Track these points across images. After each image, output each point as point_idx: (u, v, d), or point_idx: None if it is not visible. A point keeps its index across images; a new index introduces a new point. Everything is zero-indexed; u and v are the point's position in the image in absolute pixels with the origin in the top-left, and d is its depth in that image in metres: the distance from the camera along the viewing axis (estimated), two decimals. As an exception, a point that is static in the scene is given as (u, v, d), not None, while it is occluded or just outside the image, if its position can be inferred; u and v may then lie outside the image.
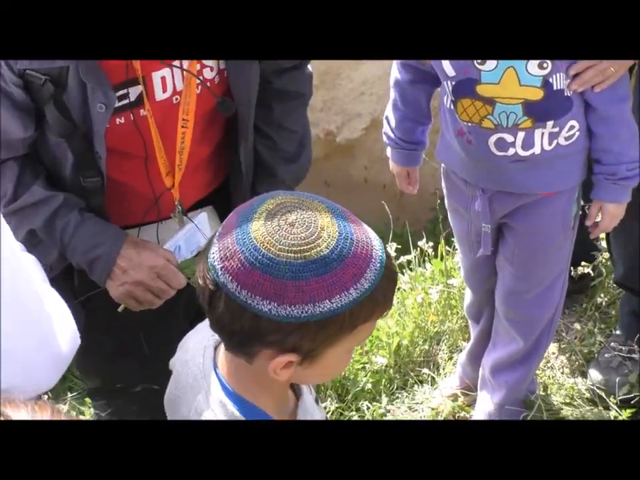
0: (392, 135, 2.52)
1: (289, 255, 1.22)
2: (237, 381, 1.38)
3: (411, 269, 3.26)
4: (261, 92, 2.04)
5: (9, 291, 1.32)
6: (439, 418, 2.83)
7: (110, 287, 1.94)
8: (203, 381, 1.40)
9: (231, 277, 1.24)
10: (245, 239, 1.24)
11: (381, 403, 2.89)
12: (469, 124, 2.24)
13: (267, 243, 1.23)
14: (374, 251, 1.27)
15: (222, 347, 1.40)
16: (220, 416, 1.35)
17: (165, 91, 1.90)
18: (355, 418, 2.84)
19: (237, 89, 1.97)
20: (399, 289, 3.24)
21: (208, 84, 1.93)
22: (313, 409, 1.47)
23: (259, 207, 1.27)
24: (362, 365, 3.00)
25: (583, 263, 2.95)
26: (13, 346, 1.32)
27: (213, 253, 1.27)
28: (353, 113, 4.83)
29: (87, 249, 1.93)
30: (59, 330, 1.39)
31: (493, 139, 2.23)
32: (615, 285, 3.08)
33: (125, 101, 1.88)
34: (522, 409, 2.69)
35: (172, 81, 1.90)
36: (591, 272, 2.97)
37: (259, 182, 2.12)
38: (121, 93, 1.86)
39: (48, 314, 1.39)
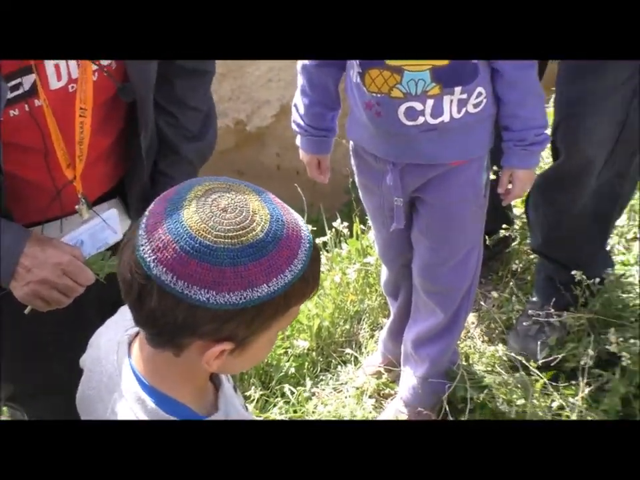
0: (301, 122, 2.48)
1: (226, 240, 1.20)
2: (157, 376, 1.35)
3: (327, 250, 3.25)
4: (163, 69, 2.00)
5: None
6: (364, 397, 2.83)
7: (14, 288, 1.87)
8: (119, 379, 1.36)
9: (165, 268, 1.21)
10: (177, 228, 1.21)
11: (305, 387, 2.88)
12: (378, 95, 2.22)
13: (203, 231, 1.20)
14: (302, 231, 1.27)
15: (136, 343, 1.37)
16: (139, 413, 1.32)
17: (59, 79, 1.84)
18: (281, 404, 2.82)
19: (135, 73, 1.92)
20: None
21: (105, 70, 1.88)
22: (232, 399, 1.45)
23: (186, 194, 1.24)
24: (284, 350, 2.99)
25: (502, 229, 2.95)
26: None
27: (142, 245, 1.23)
28: (261, 100, 4.81)
29: None
30: None
31: (402, 108, 2.22)
32: (528, 251, 3.12)
33: (19, 91, 1.81)
34: (445, 380, 2.69)
35: (67, 68, 1.84)
36: (509, 234, 2.98)
37: (163, 160, 2.08)
38: (13, 82, 1.79)
39: None
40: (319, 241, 3.21)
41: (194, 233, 1.20)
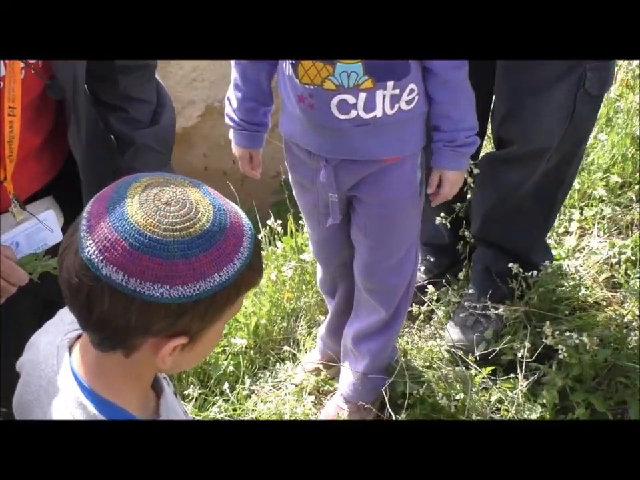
0: (234, 116, 2.47)
1: (175, 233, 1.19)
2: (100, 381, 1.32)
3: (262, 249, 3.23)
4: (102, 69, 1.98)
5: None
6: (304, 394, 2.82)
7: None
8: (59, 384, 1.33)
9: (115, 267, 1.19)
10: (124, 225, 1.19)
11: (244, 385, 2.86)
12: (311, 87, 2.22)
13: (150, 225, 1.19)
14: (242, 219, 1.28)
15: (77, 347, 1.35)
16: (79, 418, 1.29)
17: None
18: (220, 402, 2.80)
19: (61, 70, 1.89)
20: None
21: (32, 67, 1.84)
22: (173, 404, 1.43)
23: (126, 191, 1.23)
24: (222, 348, 2.96)
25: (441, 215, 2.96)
26: None
27: (87, 247, 1.20)
28: (186, 100, 4.77)
29: None
30: None
31: (334, 100, 2.21)
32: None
33: None
34: (385, 376, 2.71)
35: None
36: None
37: (122, 157, 2.06)
38: None
39: None
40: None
41: (142, 228, 1.19)
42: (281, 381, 2.90)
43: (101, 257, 1.19)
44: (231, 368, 2.90)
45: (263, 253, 3.20)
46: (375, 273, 2.53)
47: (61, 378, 1.34)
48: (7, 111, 1.83)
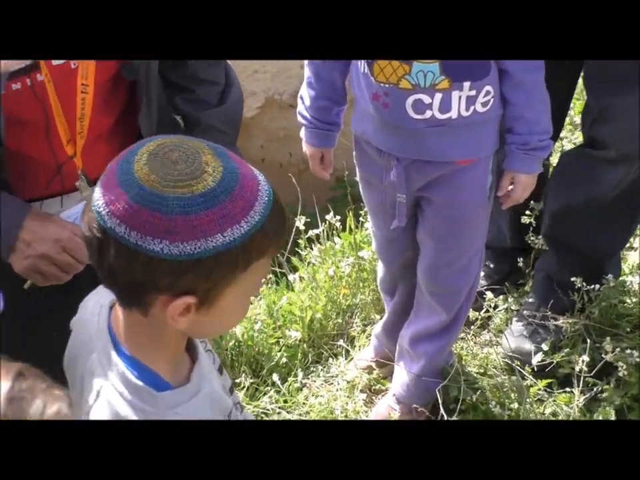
0: (306, 115, 2.46)
1: (176, 190, 1.22)
2: (131, 341, 1.36)
3: (320, 243, 3.22)
4: None
5: None
6: (355, 391, 2.81)
7: (13, 261, 1.85)
8: (98, 341, 1.37)
9: (118, 220, 1.22)
10: (128, 179, 1.23)
11: (296, 377, 2.85)
12: (386, 85, 2.21)
13: (152, 181, 1.22)
14: (261, 184, 1.28)
15: (117, 306, 1.38)
16: (111, 376, 1.32)
17: None
18: (271, 393, 2.80)
19: None
20: (309, 263, 3.21)
21: None
22: (210, 375, 1.45)
23: (138, 150, 1.26)
24: (276, 340, 2.96)
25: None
26: None
27: (97, 200, 1.25)
28: (247, 91, 4.76)
29: None
30: None
31: (410, 100, 2.20)
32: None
33: (21, 65, 1.78)
34: (439, 379, 2.69)
35: None
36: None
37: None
38: None
39: None
40: (311, 233, 3.19)
41: (144, 183, 1.22)
42: (332, 376, 2.90)
43: (107, 210, 1.23)
44: (284, 360, 2.90)
45: (321, 247, 3.20)
46: (439, 275, 2.52)
47: (99, 335, 1.38)
48: (80, 88, 1.85)
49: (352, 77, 2.34)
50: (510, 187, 2.37)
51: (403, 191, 2.37)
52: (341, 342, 2.97)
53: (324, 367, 2.93)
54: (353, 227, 3.29)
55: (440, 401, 2.60)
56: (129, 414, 1.30)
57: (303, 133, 2.51)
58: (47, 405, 0.80)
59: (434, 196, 2.39)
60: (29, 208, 1.86)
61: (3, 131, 1.80)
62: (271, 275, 3.16)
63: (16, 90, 1.80)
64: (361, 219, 3.31)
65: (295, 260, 3.24)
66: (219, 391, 1.46)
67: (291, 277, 3.16)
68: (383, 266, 2.74)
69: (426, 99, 2.19)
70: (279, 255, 3.22)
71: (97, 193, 1.25)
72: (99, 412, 1.31)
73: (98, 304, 1.43)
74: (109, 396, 1.31)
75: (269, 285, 3.15)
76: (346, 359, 2.95)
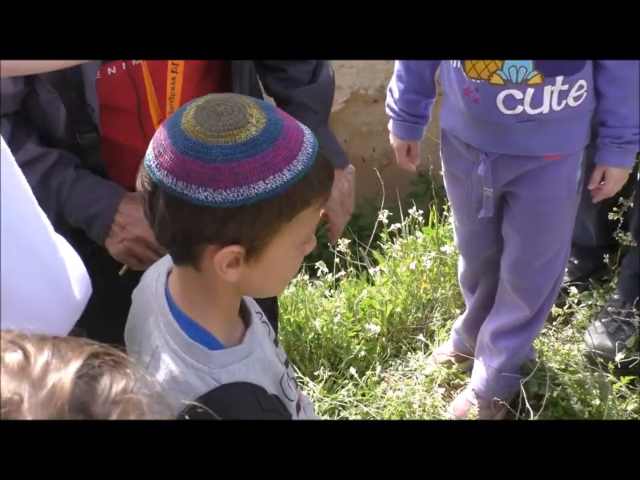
0: (394, 107, 2.47)
1: (219, 139, 1.25)
2: (186, 301, 1.40)
3: (402, 237, 3.21)
4: None
5: (23, 234, 1.29)
6: (434, 385, 2.80)
7: (109, 245, 1.88)
8: (155, 304, 1.41)
9: (165, 171, 1.27)
10: (176, 132, 1.27)
11: (375, 371, 2.85)
12: (477, 81, 2.19)
13: (197, 132, 1.26)
14: (305, 136, 1.31)
15: (174, 270, 1.43)
16: (166, 336, 1.36)
17: None
18: (349, 386, 2.80)
19: None
20: (390, 256, 3.20)
21: None
22: (263, 341, 1.47)
23: (188, 105, 1.31)
24: (355, 333, 2.96)
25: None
26: (29, 291, 1.29)
27: (148, 154, 1.31)
28: (332, 85, 4.79)
29: (84, 206, 1.86)
30: (73, 276, 1.35)
31: (501, 95, 2.18)
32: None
33: None
34: (519, 375, 2.66)
35: None
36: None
37: None
38: None
39: (62, 259, 1.34)
40: (393, 227, 3.18)
41: (189, 134, 1.26)
42: (411, 370, 2.89)
43: (156, 162, 1.28)
44: (362, 353, 2.90)
45: (403, 242, 3.19)
46: (523, 270, 2.49)
47: (157, 298, 1.42)
48: (171, 68, 1.87)
49: (442, 71, 2.34)
50: (601, 182, 2.33)
51: (489, 185, 2.36)
52: (420, 336, 2.96)
53: (402, 361, 2.93)
54: (435, 221, 3.27)
55: (524, 396, 2.57)
56: (183, 371, 1.34)
57: (390, 125, 2.51)
58: (113, 383, 0.81)
59: (520, 191, 2.37)
60: (123, 192, 1.88)
61: (98, 116, 1.83)
62: (351, 268, 3.16)
63: (112, 74, 1.83)
64: (444, 213, 3.29)
65: (376, 253, 3.23)
66: (272, 358, 1.48)
67: (371, 270, 3.16)
68: (465, 261, 2.72)
69: (517, 94, 2.17)
70: (359, 249, 3.22)
71: (149, 148, 1.31)
72: (154, 371, 1.35)
73: (157, 272, 1.47)
74: (163, 355, 1.36)
75: (349, 278, 3.15)
76: (425, 353, 2.94)
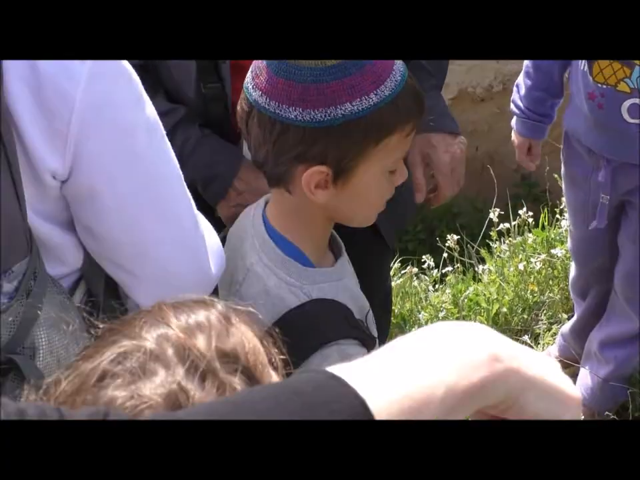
0: (520, 104, 2.45)
1: (311, 63, 1.31)
2: (282, 222, 1.46)
3: (510, 237, 3.18)
4: None
5: (171, 206, 1.34)
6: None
7: (221, 207, 1.88)
8: (251, 228, 1.48)
9: (260, 92, 1.34)
10: None
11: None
12: (603, 86, 2.16)
13: None
14: (395, 65, 1.35)
15: (271, 196, 1.50)
16: (261, 253, 1.43)
17: None
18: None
19: None
20: (498, 256, 3.17)
21: None
22: (352, 277, 1.53)
23: None
24: (459, 329, 2.94)
25: None
26: (170, 260, 1.34)
27: (247, 76, 1.38)
28: (440, 82, 4.76)
29: (206, 166, 1.86)
30: (210, 250, 1.39)
31: (626, 104, 2.15)
32: None
33: None
34: (627, 386, 2.62)
35: None
36: None
37: None
38: None
39: (202, 233, 1.39)
40: (502, 226, 3.14)
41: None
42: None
43: (252, 83, 1.36)
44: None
45: (512, 242, 3.15)
46: (637, 282, 2.45)
47: (254, 222, 1.49)
48: None
49: (571, 72, 2.31)
50: None
51: (607, 192, 2.32)
52: (525, 338, 2.93)
53: (506, 362, 2.89)
54: (546, 223, 3.24)
55: (630, 407, 2.53)
56: (276, 285, 1.40)
57: (514, 122, 2.49)
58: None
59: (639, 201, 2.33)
60: (245, 159, 1.88)
61: (228, 66, 1.81)
62: (458, 265, 3.15)
63: None
64: (557, 216, 3.25)
65: (483, 252, 3.21)
66: (358, 292, 1.53)
67: (478, 268, 3.14)
68: (577, 267, 2.70)
69: None
70: (468, 246, 3.20)
71: (249, 70, 1.38)
72: (248, 285, 1.43)
73: (253, 206, 1.55)
74: (258, 269, 1.43)
75: (456, 274, 3.13)
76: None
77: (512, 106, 2.48)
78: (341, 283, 1.47)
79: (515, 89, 2.47)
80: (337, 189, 1.37)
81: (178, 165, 1.34)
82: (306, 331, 1.36)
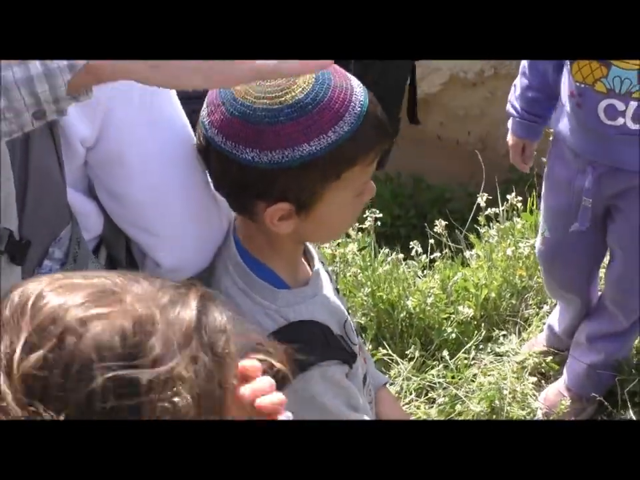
0: (515, 104, 2.43)
1: (265, 100, 1.29)
2: (251, 243, 1.46)
3: (498, 222, 3.17)
4: None
5: (187, 168, 1.40)
6: (524, 374, 2.76)
7: None
8: (225, 250, 1.47)
9: (216, 130, 1.33)
10: (226, 93, 1.32)
11: (465, 354, 2.82)
12: (582, 85, 2.16)
13: (245, 93, 1.30)
14: (354, 95, 1.32)
15: (238, 217, 1.49)
16: (234, 276, 1.43)
17: None
18: (439, 367, 2.78)
19: None
20: (486, 241, 3.16)
21: None
22: (327, 286, 1.52)
23: None
24: (447, 315, 2.94)
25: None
26: (191, 225, 1.42)
27: (202, 111, 1.37)
28: (432, 66, 4.73)
29: None
30: (223, 218, 1.48)
31: (603, 104, 2.14)
32: None
33: None
34: (614, 373, 2.63)
35: None
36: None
37: None
38: None
39: (213, 190, 1.45)
40: (490, 211, 3.12)
41: (237, 95, 1.31)
42: (502, 356, 2.85)
43: (208, 120, 1.35)
44: (453, 335, 2.87)
45: (500, 227, 3.14)
46: (624, 286, 2.46)
47: (225, 244, 1.48)
48: None
49: (564, 72, 2.28)
50: None
51: (589, 195, 2.30)
52: (513, 322, 2.93)
53: (494, 346, 2.89)
54: (534, 208, 3.23)
55: (619, 391, 2.54)
56: (251, 309, 1.41)
57: (509, 123, 2.47)
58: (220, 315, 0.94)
59: (625, 205, 2.32)
60: None
61: None
62: (446, 250, 3.14)
63: None
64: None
65: (472, 237, 3.20)
66: (336, 301, 1.53)
67: (467, 253, 3.13)
68: (547, 275, 2.69)
69: (619, 105, 2.13)
70: (456, 231, 3.19)
71: (204, 104, 1.37)
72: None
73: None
74: (232, 292, 1.42)
75: (444, 260, 3.12)
76: (518, 339, 2.90)
77: (508, 106, 2.45)
78: (317, 298, 1.47)
79: (512, 88, 2.45)
80: (301, 219, 1.36)
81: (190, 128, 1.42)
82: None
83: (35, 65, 0.99)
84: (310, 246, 1.56)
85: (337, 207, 1.37)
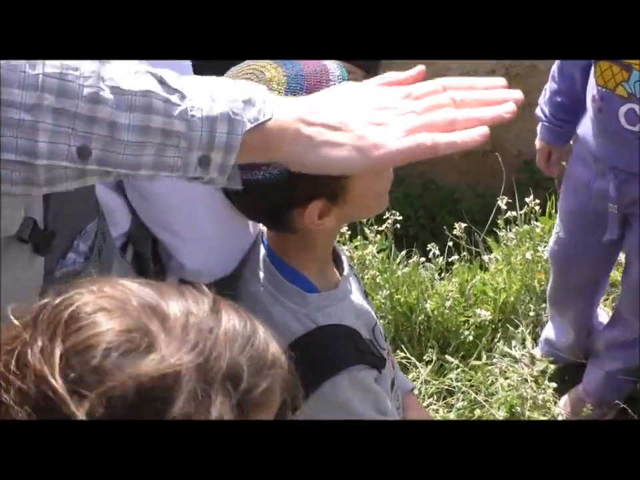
0: (544, 108, 2.42)
1: None
2: (281, 248, 1.43)
3: (517, 225, 3.15)
4: None
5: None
6: (544, 379, 2.74)
7: None
8: (254, 256, 1.46)
9: None
10: None
11: (483, 358, 2.80)
12: (603, 89, 2.15)
13: None
14: (330, 74, 1.29)
15: None
16: (264, 281, 1.42)
17: None
18: (458, 371, 2.76)
19: None
20: (504, 244, 3.14)
21: None
22: (356, 290, 1.51)
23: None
24: (465, 318, 2.93)
25: None
26: (217, 229, 1.42)
27: None
28: (443, 66, 4.70)
29: None
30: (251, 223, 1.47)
31: (623, 108, 2.13)
32: None
33: None
34: (634, 378, 2.61)
35: None
36: None
37: None
38: None
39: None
40: (509, 214, 3.10)
41: None
42: (521, 360, 2.83)
43: None
44: (470, 338, 2.85)
45: (519, 230, 3.12)
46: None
47: (254, 249, 1.47)
48: None
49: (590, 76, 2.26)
50: None
51: (613, 201, 2.29)
52: (531, 327, 2.91)
53: (512, 350, 2.87)
54: (553, 211, 3.21)
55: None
56: (281, 313, 1.39)
57: (538, 127, 2.46)
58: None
59: None
60: None
61: None
62: (464, 253, 3.12)
63: None
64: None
65: (490, 241, 3.18)
66: (364, 305, 1.51)
67: (485, 257, 3.11)
68: (557, 277, 2.68)
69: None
70: (475, 234, 3.17)
71: None
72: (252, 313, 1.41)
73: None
74: (262, 297, 1.41)
75: (462, 263, 3.10)
76: (536, 345, 2.89)
77: (537, 110, 2.44)
78: (347, 302, 1.45)
79: (543, 92, 2.43)
80: (340, 206, 1.33)
81: None
82: (315, 362, 1.34)
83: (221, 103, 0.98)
84: (339, 250, 1.55)
85: (368, 186, 1.34)
